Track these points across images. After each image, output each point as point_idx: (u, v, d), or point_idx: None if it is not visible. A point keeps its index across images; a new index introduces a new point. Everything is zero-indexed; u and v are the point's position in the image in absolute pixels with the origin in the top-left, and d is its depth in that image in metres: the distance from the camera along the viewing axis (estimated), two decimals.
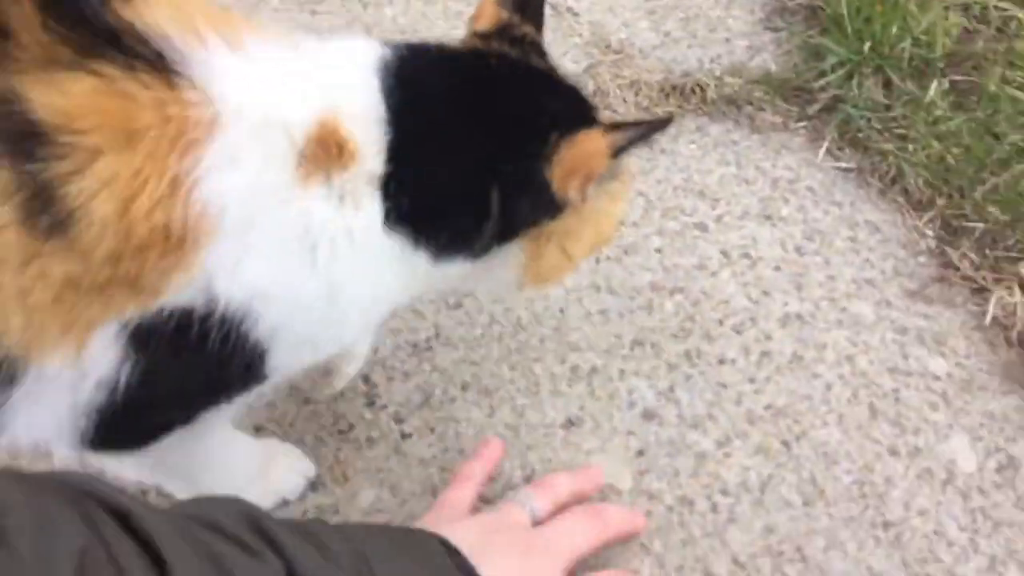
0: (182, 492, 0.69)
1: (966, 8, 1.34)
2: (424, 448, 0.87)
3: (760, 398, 0.97)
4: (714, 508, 0.87)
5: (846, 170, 1.23)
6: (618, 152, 0.57)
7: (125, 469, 0.63)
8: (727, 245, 1.13)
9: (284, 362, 0.56)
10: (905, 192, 1.20)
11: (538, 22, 0.64)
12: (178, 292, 0.49)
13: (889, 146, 1.21)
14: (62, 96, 0.44)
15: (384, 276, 0.56)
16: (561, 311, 1.02)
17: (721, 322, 1.04)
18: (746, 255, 1.13)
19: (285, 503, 0.79)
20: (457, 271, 0.61)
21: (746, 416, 0.95)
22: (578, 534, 0.75)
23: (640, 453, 0.90)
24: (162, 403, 0.55)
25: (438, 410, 0.90)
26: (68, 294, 0.46)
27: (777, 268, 1.11)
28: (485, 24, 0.62)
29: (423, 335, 0.95)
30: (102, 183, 0.44)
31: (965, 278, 1.11)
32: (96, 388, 0.51)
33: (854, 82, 1.25)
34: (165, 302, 0.49)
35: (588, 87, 1.24)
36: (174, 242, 0.47)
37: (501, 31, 0.61)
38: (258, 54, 0.50)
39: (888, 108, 1.24)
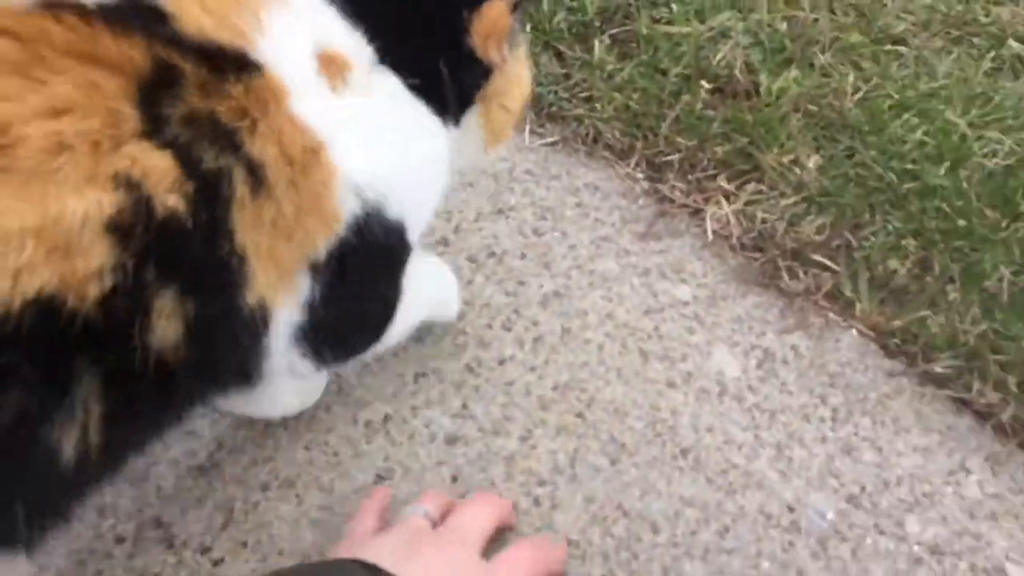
0: None
1: None
2: (241, 566, 0.84)
3: (545, 381, 1.02)
4: (536, 502, 0.91)
5: (552, 144, 1.30)
6: (515, 7, 0.69)
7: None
8: (472, 250, 1.17)
9: (415, 228, 0.70)
10: (608, 147, 1.29)
11: None
12: (343, 210, 0.60)
13: (580, 111, 1.30)
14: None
15: (431, 134, 0.70)
16: (336, 372, 1.01)
17: (490, 325, 1.08)
18: (491, 254, 1.17)
19: None
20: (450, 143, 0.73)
21: (539, 403, 1.00)
22: (481, 517, 0.81)
23: (455, 479, 0.92)
24: (367, 310, 0.72)
25: (243, 523, 0.87)
26: (279, 240, 0.57)
27: (523, 256, 1.17)
28: None
29: (203, 454, 0.91)
30: (268, 133, 0.56)
31: (681, 206, 1.22)
32: (307, 313, 0.62)
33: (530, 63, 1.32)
34: (339, 226, 0.60)
35: None
36: (319, 159, 0.58)
37: None
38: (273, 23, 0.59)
39: (568, 77, 1.33)
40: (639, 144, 1.27)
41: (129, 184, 0.49)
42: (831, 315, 1.10)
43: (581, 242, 1.19)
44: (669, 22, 1.37)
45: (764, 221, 1.17)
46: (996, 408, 0.98)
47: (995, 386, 0.98)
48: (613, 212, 1.23)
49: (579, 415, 0.99)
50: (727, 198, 1.21)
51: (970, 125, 1.19)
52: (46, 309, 0.46)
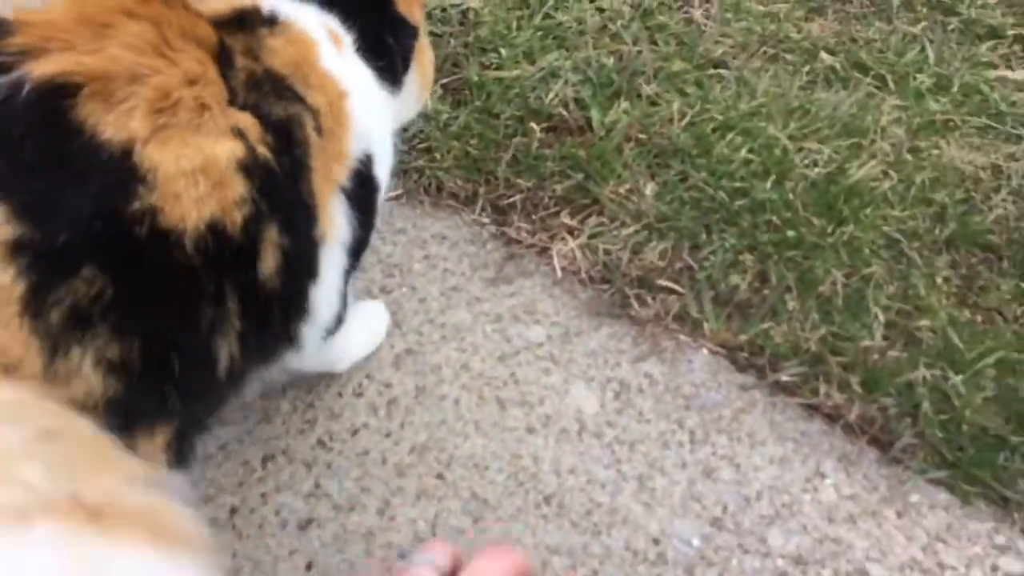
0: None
1: (428, 14, 1.47)
2: None
3: (402, 446, 0.99)
4: None
5: (396, 198, 1.28)
6: None
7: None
8: None
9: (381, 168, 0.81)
10: (452, 195, 1.28)
11: None
12: (354, 148, 0.73)
13: (420, 162, 1.29)
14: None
15: (386, 103, 0.84)
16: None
17: (340, 394, 1.04)
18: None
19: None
20: (399, 100, 0.88)
21: (395, 470, 0.96)
22: (497, 570, 0.74)
23: (310, 567, 0.87)
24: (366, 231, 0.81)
25: None
26: (327, 178, 0.70)
27: None
28: None
29: None
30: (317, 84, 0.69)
31: (528, 247, 1.21)
32: (344, 252, 0.75)
33: None
34: (351, 162, 0.73)
35: None
36: (344, 108, 0.71)
37: None
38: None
39: (404, 130, 1.32)
40: (482, 189, 1.27)
41: (242, 135, 0.61)
42: (682, 337, 1.11)
43: (431, 295, 1.17)
44: (499, 67, 1.39)
45: (608, 253, 1.18)
46: (843, 409, 1.00)
47: (839, 387, 1.01)
48: (462, 260, 1.21)
49: (439, 476, 0.96)
50: (571, 234, 1.21)
51: (790, 138, 1.24)
52: (215, 232, 0.58)
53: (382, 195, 0.84)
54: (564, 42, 1.43)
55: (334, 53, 0.74)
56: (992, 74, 1.34)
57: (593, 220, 1.21)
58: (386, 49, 0.82)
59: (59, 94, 0.54)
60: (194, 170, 0.57)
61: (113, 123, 0.55)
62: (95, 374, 0.55)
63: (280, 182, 0.64)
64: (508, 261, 1.21)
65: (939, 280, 1.08)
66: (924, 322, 1.03)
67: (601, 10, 1.49)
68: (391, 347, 1.10)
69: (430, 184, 1.28)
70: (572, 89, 1.35)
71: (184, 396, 0.61)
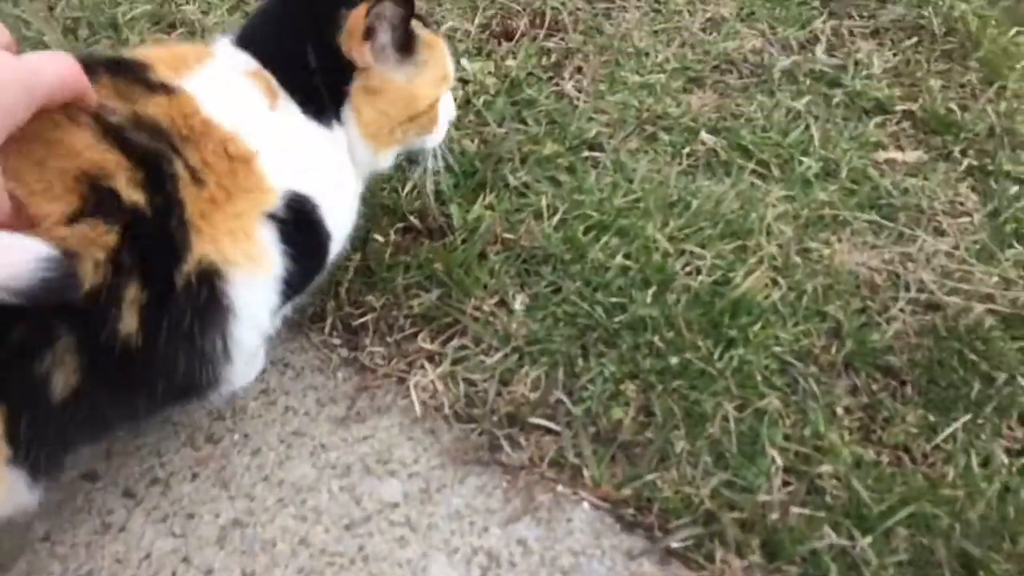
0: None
1: None
2: None
3: None
4: None
5: None
6: (368, 13, 0.81)
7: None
8: (128, 480, 0.93)
9: (329, 206, 0.86)
10: (298, 311, 1.10)
11: None
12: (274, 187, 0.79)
13: None
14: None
15: (331, 151, 0.88)
16: None
17: None
18: (154, 480, 0.94)
19: None
20: (342, 138, 0.88)
21: None
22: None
23: None
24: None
25: None
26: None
27: (193, 477, 0.94)
28: None
29: None
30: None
31: (383, 376, 1.05)
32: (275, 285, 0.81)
33: None
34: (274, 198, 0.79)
35: None
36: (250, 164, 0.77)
37: None
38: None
39: None
40: (330, 304, 1.09)
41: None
42: (559, 488, 0.96)
43: (268, 443, 0.98)
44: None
45: (473, 384, 1.02)
46: None
47: (738, 552, 0.88)
48: (307, 395, 1.03)
49: None
50: (432, 360, 1.05)
51: (670, 239, 1.11)
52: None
53: (334, 242, 0.89)
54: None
55: (254, 106, 0.81)
56: (881, 156, 1.26)
57: (455, 343, 1.05)
58: (308, 80, 0.85)
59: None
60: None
61: None
62: None
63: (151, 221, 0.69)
64: (361, 394, 1.03)
65: (839, 411, 0.97)
66: (826, 467, 0.92)
67: (464, 82, 1.34)
68: (215, 517, 0.91)
69: None
70: (431, 181, 1.19)
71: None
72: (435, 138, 0.99)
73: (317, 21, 0.84)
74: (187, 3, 1.36)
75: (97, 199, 0.66)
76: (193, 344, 0.74)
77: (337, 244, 0.91)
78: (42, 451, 0.68)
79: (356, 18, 0.83)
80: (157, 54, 0.80)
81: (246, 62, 0.84)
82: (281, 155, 0.80)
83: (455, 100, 1.30)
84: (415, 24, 0.88)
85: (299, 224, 0.81)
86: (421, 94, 0.91)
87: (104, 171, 0.67)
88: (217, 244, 0.73)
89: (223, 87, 0.80)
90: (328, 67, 0.85)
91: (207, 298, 0.73)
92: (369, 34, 0.84)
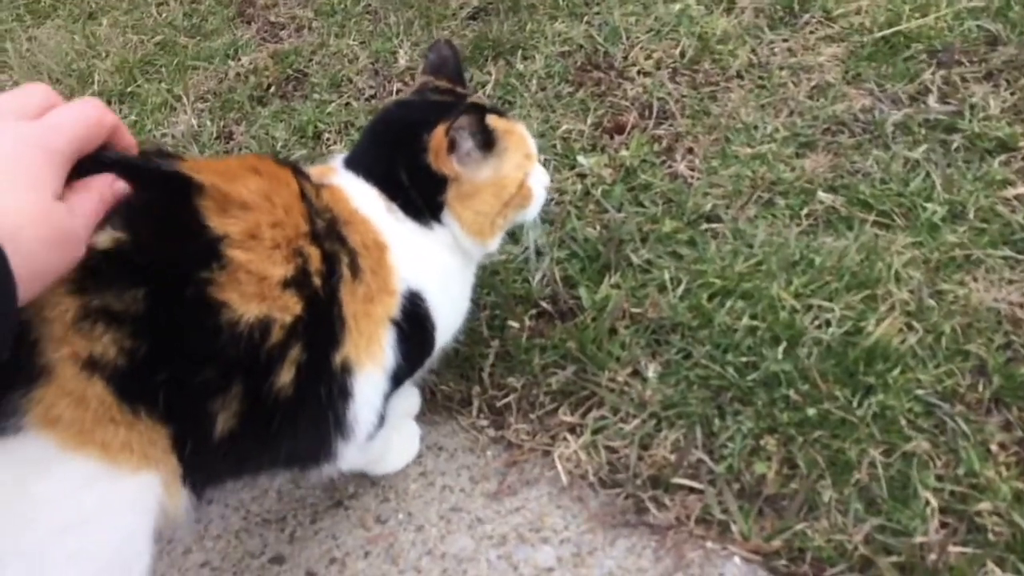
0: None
1: None
2: None
3: None
4: None
5: None
6: (448, 131, 0.89)
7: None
8: (310, 562, 1.03)
9: (439, 302, 0.95)
10: (447, 398, 1.19)
11: (453, 75, 1.06)
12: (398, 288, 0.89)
13: None
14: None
15: (437, 248, 0.96)
16: None
17: None
18: (332, 560, 1.03)
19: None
20: (448, 238, 0.97)
21: None
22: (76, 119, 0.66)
23: None
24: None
25: None
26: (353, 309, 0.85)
27: (366, 555, 1.03)
28: (416, 86, 1.07)
29: None
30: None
31: (529, 451, 1.11)
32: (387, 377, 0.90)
33: None
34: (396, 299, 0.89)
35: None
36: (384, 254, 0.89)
37: (423, 87, 1.04)
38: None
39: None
40: (475, 389, 1.18)
41: (303, 261, 0.79)
42: (709, 544, 0.97)
43: (429, 520, 1.06)
44: None
45: (615, 451, 1.07)
46: None
47: None
48: (460, 473, 1.11)
49: None
50: (573, 432, 1.10)
51: (796, 296, 1.13)
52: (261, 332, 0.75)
53: (440, 332, 0.97)
54: (546, 215, 1.37)
55: (377, 208, 0.91)
56: (1010, 192, 1.23)
57: (595, 414, 1.11)
58: (414, 205, 0.94)
59: (190, 185, 0.74)
60: (277, 282, 0.76)
61: (217, 222, 0.74)
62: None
63: (321, 304, 0.80)
64: (510, 469, 1.10)
65: (993, 447, 0.94)
66: (984, 505, 0.89)
67: (582, 176, 1.44)
68: None
69: (423, 387, 1.20)
70: (559, 268, 1.28)
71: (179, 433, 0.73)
72: (533, 210, 1.04)
73: (404, 147, 0.93)
74: (336, 143, 1.55)
75: (302, 274, 0.78)
76: (323, 417, 0.83)
77: (445, 333, 0.99)
78: (196, 478, 0.77)
79: (438, 138, 0.90)
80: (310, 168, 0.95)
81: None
82: (400, 251, 0.90)
83: (575, 193, 1.40)
84: (490, 119, 0.94)
85: (412, 322, 0.90)
86: (510, 179, 0.97)
87: (307, 253, 0.79)
88: (357, 347, 0.84)
89: (356, 189, 0.92)
90: (423, 184, 0.93)
91: (341, 384, 0.83)
92: (452, 147, 0.91)
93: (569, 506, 1.05)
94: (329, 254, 0.82)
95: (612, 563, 0.98)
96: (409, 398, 1.14)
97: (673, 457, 1.04)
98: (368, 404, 0.88)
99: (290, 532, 1.07)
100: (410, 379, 0.99)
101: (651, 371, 1.13)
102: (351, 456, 0.90)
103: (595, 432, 1.09)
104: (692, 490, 1.01)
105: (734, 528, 0.97)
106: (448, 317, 0.98)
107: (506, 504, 1.06)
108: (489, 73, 1.64)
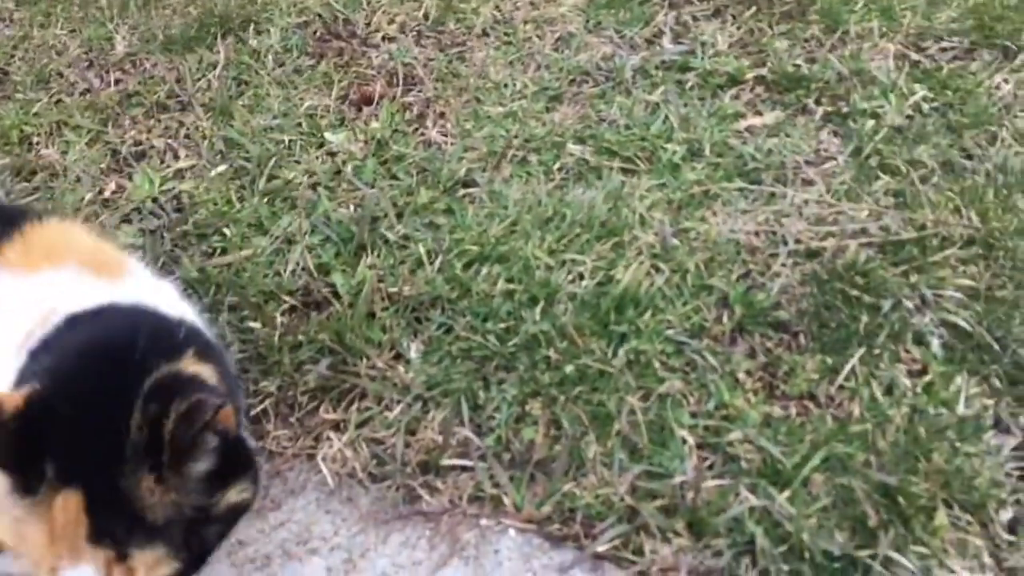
0: None
1: (136, 209, 1.28)
2: None
3: None
4: None
5: None
6: None
7: None
8: None
9: None
10: None
11: None
12: None
13: None
14: None
15: None
16: None
17: None
18: None
19: None
20: None
21: None
22: None
23: None
24: None
25: None
26: None
27: None
28: None
29: None
30: None
31: (293, 457, 1.03)
32: None
33: None
34: None
35: None
36: None
37: None
38: None
39: None
40: None
41: None
42: (483, 521, 0.94)
43: None
44: (224, 251, 1.21)
45: (381, 442, 1.00)
46: (676, 566, 0.85)
47: (664, 539, 0.86)
48: None
49: None
50: (337, 428, 1.03)
51: (550, 253, 1.11)
52: None
53: None
54: (294, 202, 1.27)
55: None
56: (741, 124, 1.27)
57: (357, 406, 1.04)
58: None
59: None
60: None
61: None
62: None
63: None
64: (273, 480, 1.01)
65: (741, 376, 0.96)
66: (735, 434, 0.90)
67: (331, 154, 1.35)
68: None
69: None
70: (312, 255, 1.19)
71: None
72: None
73: None
74: (46, 146, 1.38)
75: None
76: None
77: None
78: None
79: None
80: None
81: None
82: None
83: (325, 174, 1.31)
84: None
85: None
86: None
87: None
88: None
89: None
90: None
91: None
92: None
93: (339, 509, 0.98)
94: None
95: (385, 561, 0.92)
96: None
97: (440, 438, 0.99)
98: None
99: None
100: None
101: (413, 351, 1.07)
102: None
103: (359, 426, 1.02)
104: (463, 469, 0.97)
105: (506, 500, 0.94)
106: None
107: (270, 520, 0.98)
108: (218, 52, 1.51)
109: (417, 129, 1.39)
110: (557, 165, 1.28)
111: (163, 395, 0.71)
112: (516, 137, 1.34)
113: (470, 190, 1.27)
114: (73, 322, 0.80)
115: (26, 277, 0.85)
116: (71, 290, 0.83)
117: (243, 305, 1.13)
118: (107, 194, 1.32)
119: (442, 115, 1.41)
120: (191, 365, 0.78)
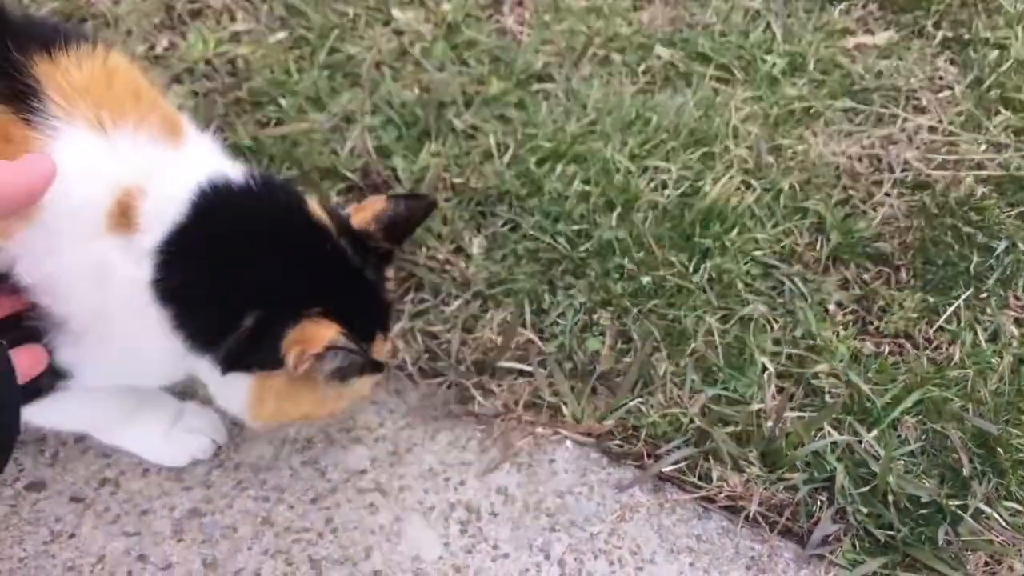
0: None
1: (189, 70, 1.21)
2: None
3: None
4: None
5: None
6: (328, 348, 0.66)
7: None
8: (76, 488, 0.86)
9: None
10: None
11: (399, 242, 0.76)
12: None
13: None
14: None
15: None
16: None
17: None
18: (103, 481, 0.87)
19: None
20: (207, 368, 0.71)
21: None
22: None
23: None
24: None
25: None
26: None
27: (145, 473, 0.87)
28: (357, 222, 0.74)
29: None
30: None
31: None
32: None
33: None
34: None
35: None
36: None
37: (360, 235, 0.74)
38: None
39: None
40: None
41: None
42: (539, 430, 0.88)
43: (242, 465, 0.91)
44: (279, 122, 1.14)
45: (435, 336, 0.94)
46: (744, 496, 0.79)
47: (735, 467, 0.80)
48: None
49: None
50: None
51: (631, 158, 1.03)
52: None
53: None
54: (357, 79, 1.19)
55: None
56: (850, 42, 1.17)
57: (412, 296, 0.98)
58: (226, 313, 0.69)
59: None
60: None
61: None
62: None
63: None
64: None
65: (831, 307, 0.89)
66: (822, 367, 0.83)
67: (398, 33, 1.26)
68: (170, 511, 0.84)
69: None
70: (372, 136, 1.11)
71: None
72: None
73: (293, 292, 0.70)
74: None
75: None
76: None
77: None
78: None
79: (313, 335, 0.67)
80: None
81: None
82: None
83: (390, 53, 1.22)
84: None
85: None
86: (334, 407, 0.77)
87: None
88: None
89: None
90: (256, 342, 0.69)
91: None
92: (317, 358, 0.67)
93: (385, 401, 0.93)
94: None
95: (432, 458, 0.87)
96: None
97: (500, 339, 0.93)
98: None
99: (51, 454, 0.90)
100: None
101: (475, 246, 1.00)
102: None
103: (414, 317, 0.96)
104: (521, 373, 0.91)
105: (565, 411, 0.88)
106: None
107: None
108: None
109: (492, 16, 1.29)
110: (642, 68, 1.18)
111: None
112: (598, 35, 1.24)
113: (545, 85, 1.18)
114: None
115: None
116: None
117: (298, 180, 1.06)
118: (159, 50, 1.24)
119: (520, 3, 1.31)
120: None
